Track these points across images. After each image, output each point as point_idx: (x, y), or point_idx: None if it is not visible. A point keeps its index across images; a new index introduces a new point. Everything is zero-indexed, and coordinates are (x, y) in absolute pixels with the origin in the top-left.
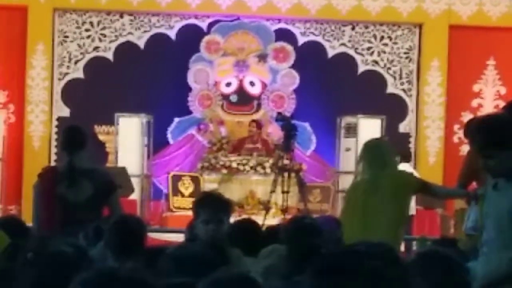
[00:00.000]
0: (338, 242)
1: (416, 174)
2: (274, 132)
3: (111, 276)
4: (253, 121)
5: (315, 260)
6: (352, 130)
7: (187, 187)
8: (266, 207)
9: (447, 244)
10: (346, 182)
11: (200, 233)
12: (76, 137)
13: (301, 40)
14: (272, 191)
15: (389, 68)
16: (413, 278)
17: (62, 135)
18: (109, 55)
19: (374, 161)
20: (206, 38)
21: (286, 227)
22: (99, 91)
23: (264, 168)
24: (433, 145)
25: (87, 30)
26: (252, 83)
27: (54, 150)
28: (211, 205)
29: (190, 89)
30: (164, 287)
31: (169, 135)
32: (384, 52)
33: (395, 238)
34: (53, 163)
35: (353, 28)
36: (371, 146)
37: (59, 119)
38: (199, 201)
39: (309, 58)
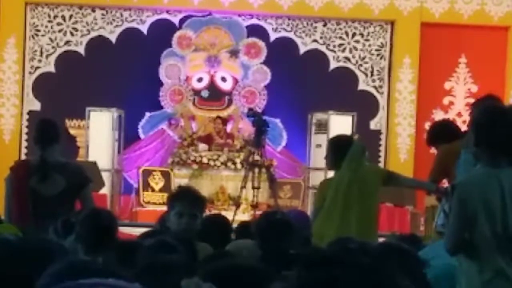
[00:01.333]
0: (308, 237)
1: None
2: (245, 128)
3: (83, 268)
4: (218, 117)
5: (305, 253)
6: (323, 127)
7: (157, 182)
8: (236, 202)
9: (412, 241)
10: (316, 178)
11: (172, 226)
12: (50, 131)
13: (273, 36)
14: (243, 187)
15: (360, 65)
16: (401, 277)
17: (35, 129)
18: (81, 49)
19: (347, 157)
20: (178, 33)
21: (258, 222)
22: (70, 85)
23: (234, 163)
24: (404, 142)
25: (58, 24)
26: (223, 79)
27: (24, 144)
28: (186, 198)
29: (161, 84)
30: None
31: (140, 130)
32: (356, 49)
33: (374, 233)
34: (23, 157)
35: (325, 25)
36: (343, 144)
37: (30, 113)
38: (175, 194)
39: (281, 54)
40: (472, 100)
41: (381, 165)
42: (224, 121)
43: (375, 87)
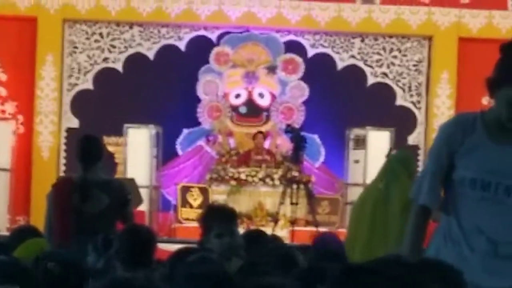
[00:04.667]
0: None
1: None
2: (283, 144)
3: (125, 285)
4: (259, 132)
5: (337, 267)
6: (361, 142)
7: (195, 198)
8: (274, 218)
9: None
10: (354, 194)
11: (215, 247)
12: (92, 149)
13: (311, 52)
14: (281, 203)
15: (398, 81)
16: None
17: (78, 146)
18: (119, 66)
19: (388, 171)
20: (216, 50)
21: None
22: (108, 102)
23: (272, 179)
24: None
25: (96, 41)
26: (261, 95)
27: (63, 161)
28: (223, 218)
29: (199, 100)
30: None
31: (178, 146)
32: (394, 65)
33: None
34: (62, 174)
35: (362, 40)
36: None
37: (68, 130)
38: (210, 215)
39: (319, 70)
40: None
41: None
42: (264, 136)
43: (413, 102)
